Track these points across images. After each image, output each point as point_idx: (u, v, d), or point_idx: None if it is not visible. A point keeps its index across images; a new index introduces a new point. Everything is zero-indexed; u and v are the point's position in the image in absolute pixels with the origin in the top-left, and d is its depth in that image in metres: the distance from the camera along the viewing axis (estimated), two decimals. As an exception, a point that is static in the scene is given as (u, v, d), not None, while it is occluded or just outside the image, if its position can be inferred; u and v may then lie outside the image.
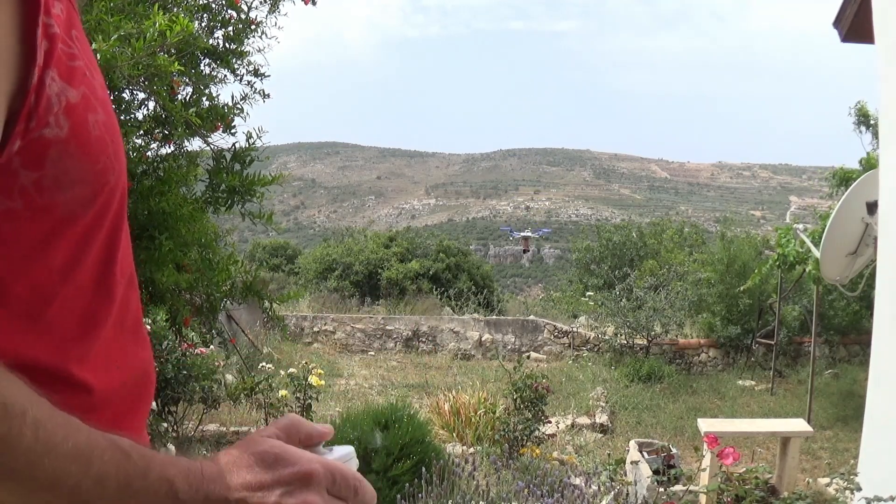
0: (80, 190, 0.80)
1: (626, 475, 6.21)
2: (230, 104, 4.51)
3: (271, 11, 4.72)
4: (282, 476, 0.81)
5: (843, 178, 10.74)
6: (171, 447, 5.65)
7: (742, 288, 12.96)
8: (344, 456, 0.91)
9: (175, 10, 3.97)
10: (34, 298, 0.80)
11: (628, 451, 6.96)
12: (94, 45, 3.16)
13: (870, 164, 10.20)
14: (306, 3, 4.81)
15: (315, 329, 15.77)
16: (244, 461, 0.82)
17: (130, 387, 0.94)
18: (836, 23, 5.72)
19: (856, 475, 4.42)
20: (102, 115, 0.82)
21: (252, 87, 4.73)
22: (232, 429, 8.02)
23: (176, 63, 3.52)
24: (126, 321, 0.94)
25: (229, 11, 4.64)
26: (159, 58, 3.44)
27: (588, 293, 18.44)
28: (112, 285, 0.90)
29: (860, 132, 10.97)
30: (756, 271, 11.85)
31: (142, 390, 0.98)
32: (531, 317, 16.31)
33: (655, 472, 6.09)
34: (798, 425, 6.71)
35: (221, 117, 4.41)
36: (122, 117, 3.81)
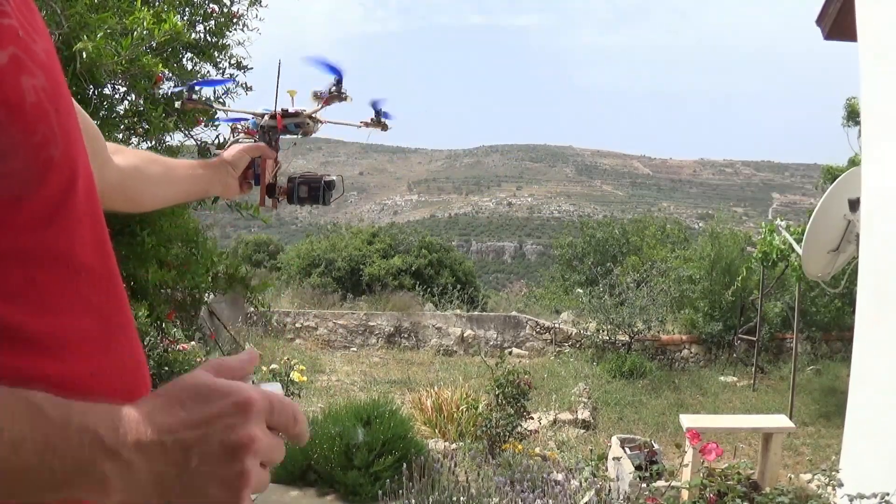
0: (14, 164, 0.70)
1: (608, 471, 6.21)
2: (213, 98, 4.48)
3: (252, 4, 4.72)
4: (220, 409, 0.70)
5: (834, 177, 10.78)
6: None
7: (731, 291, 13.02)
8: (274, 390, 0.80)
9: (158, 4, 3.94)
10: None
11: (610, 446, 6.96)
12: (79, 44, 3.11)
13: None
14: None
15: (297, 325, 15.69)
16: (175, 398, 0.71)
17: None
18: (819, 21, 5.73)
19: (838, 471, 4.44)
20: (43, 79, 0.74)
21: (234, 80, 4.72)
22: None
23: (160, 64, 3.48)
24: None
25: (211, 5, 4.62)
26: (144, 57, 3.40)
27: (578, 290, 18.48)
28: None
29: (848, 126, 10.98)
30: (743, 270, 11.89)
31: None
32: (513, 313, 16.31)
33: (637, 467, 6.08)
34: (780, 421, 6.73)
35: (203, 112, 4.37)
36: (103, 113, 3.76)
